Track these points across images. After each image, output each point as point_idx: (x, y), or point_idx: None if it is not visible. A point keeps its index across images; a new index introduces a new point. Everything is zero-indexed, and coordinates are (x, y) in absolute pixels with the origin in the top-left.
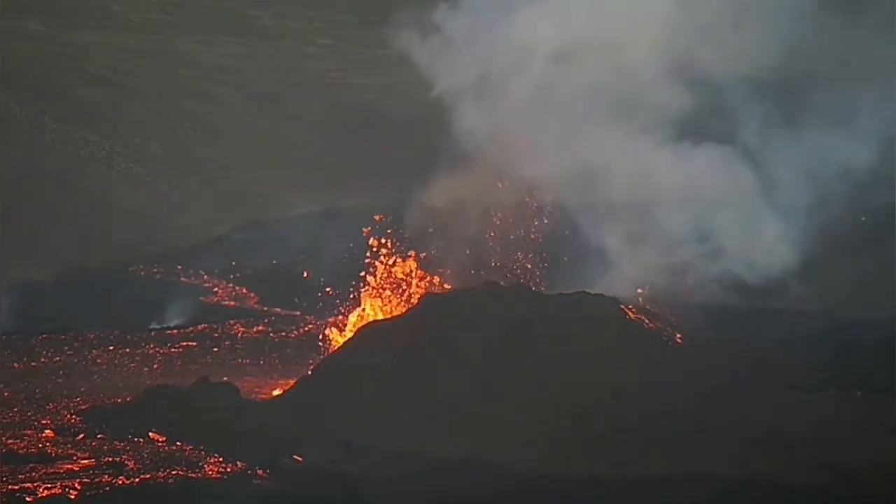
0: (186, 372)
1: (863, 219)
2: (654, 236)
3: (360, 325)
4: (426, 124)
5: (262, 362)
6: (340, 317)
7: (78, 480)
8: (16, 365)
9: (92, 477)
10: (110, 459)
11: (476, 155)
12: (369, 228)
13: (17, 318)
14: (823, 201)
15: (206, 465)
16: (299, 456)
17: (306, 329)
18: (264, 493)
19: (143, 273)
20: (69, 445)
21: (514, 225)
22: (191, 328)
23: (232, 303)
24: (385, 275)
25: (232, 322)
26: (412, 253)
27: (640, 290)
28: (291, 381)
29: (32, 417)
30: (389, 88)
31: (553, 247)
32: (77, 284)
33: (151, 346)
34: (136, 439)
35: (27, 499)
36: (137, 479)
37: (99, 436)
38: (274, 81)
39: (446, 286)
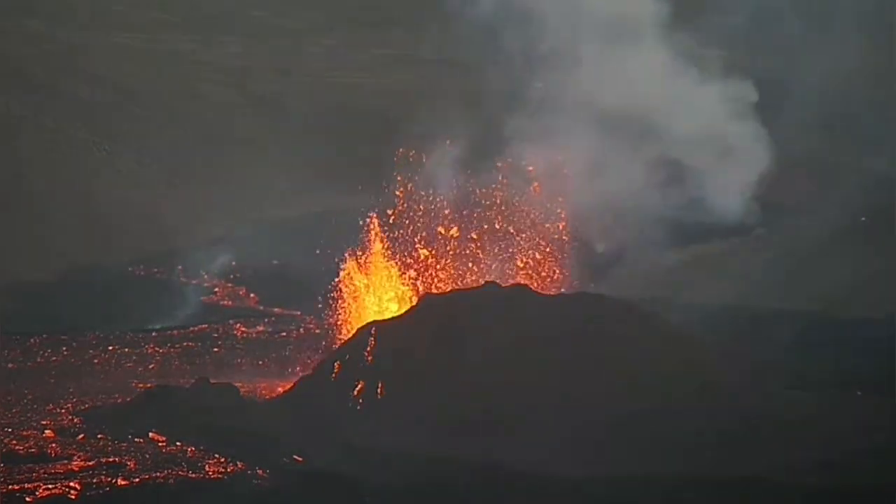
0: (186, 372)
1: (863, 219)
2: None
3: (361, 325)
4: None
5: (262, 362)
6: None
7: (78, 480)
8: (12, 365)
9: (92, 477)
10: (110, 459)
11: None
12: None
13: (16, 319)
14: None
15: (206, 465)
16: (299, 456)
17: (306, 329)
18: (264, 493)
19: (143, 273)
20: (69, 445)
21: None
22: (191, 328)
23: (232, 303)
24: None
25: (232, 322)
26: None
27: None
28: (291, 381)
29: (32, 417)
30: (390, 88)
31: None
32: (77, 284)
33: (151, 346)
34: (136, 439)
35: (27, 499)
36: (137, 479)
37: (99, 436)
38: (274, 81)
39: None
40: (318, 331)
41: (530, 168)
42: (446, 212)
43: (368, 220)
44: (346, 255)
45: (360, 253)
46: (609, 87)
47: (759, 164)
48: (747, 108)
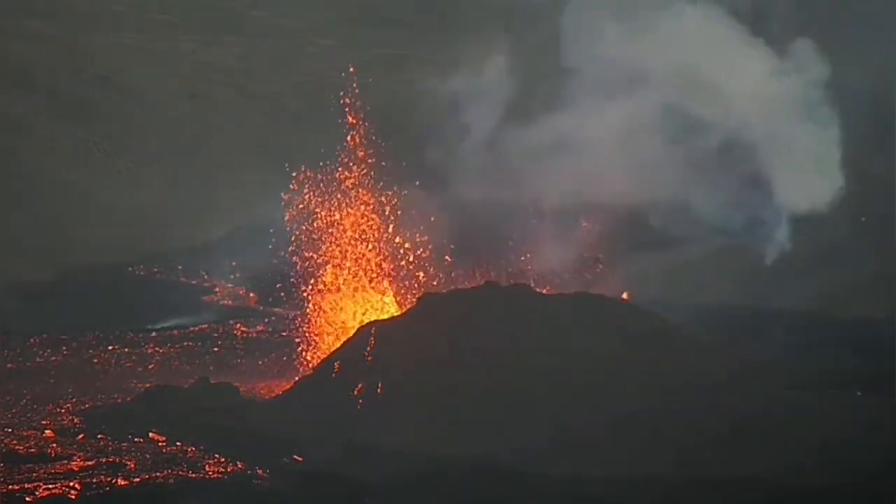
0: (186, 372)
1: (863, 219)
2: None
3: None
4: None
5: (262, 362)
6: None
7: (78, 480)
8: (11, 365)
9: (92, 477)
10: (110, 459)
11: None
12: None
13: (16, 319)
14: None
15: (206, 465)
16: (299, 456)
17: (306, 329)
18: (264, 493)
19: (143, 273)
20: (69, 445)
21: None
22: (191, 328)
23: (232, 303)
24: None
25: (232, 322)
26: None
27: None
28: (291, 381)
29: (32, 417)
30: (389, 89)
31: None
32: (77, 284)
33: (151, 346)
34: (136, 439)
35: (27, 499)
36: (137, 479)
37: (99, 436)
38: (274, 81)
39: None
40: (318, 331)
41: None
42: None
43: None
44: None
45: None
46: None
47: (829, 184)
48: (816, 92)
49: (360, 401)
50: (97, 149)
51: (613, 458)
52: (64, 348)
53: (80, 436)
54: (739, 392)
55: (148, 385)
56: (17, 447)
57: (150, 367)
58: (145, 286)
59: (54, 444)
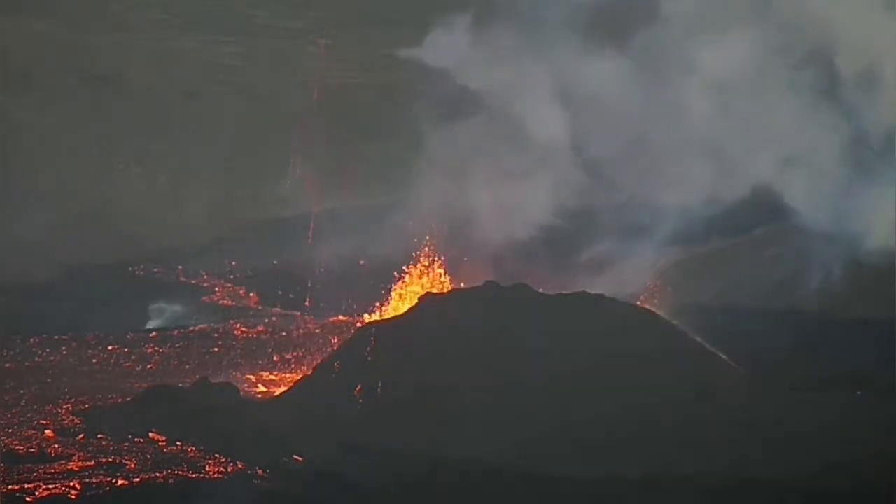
0: (186, 372)
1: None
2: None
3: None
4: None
5: (262, 362)
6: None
7: (78, 480)
8: (10, 365)
9: (92, 477)
10: (110, 459)
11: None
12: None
13: (16, 319)
14: None
15: (206, 465)
16: (299, 456)
17: (306, 329)
18: (264, 493)
19: (142, 273)
20: (69, 445)
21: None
22: (191, 328)
23: (232, 303)
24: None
25: (232, 322)
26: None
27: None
28: (291, 381)
29: (32, 417)
30: (389, 89)
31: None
32: (77, 284)
33: (151, 346)
34: (136, 439)
35: (27, 499)
36: (137, 479)
37: (99, 436)
38: (274, 81)
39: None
40: (317, 331)
41: None
42: None
43: None
44: None
45: None
46: None
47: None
48: None
49: (360, 401)
50: (98, 149)
51: (612, 458)
52: (64, 348)
53: (80, 436)
54: (739, 392)
55: (148, 385)
56: (17, 447)
57: (149, 367)
58: (145, 286)
59: (54, 444)
